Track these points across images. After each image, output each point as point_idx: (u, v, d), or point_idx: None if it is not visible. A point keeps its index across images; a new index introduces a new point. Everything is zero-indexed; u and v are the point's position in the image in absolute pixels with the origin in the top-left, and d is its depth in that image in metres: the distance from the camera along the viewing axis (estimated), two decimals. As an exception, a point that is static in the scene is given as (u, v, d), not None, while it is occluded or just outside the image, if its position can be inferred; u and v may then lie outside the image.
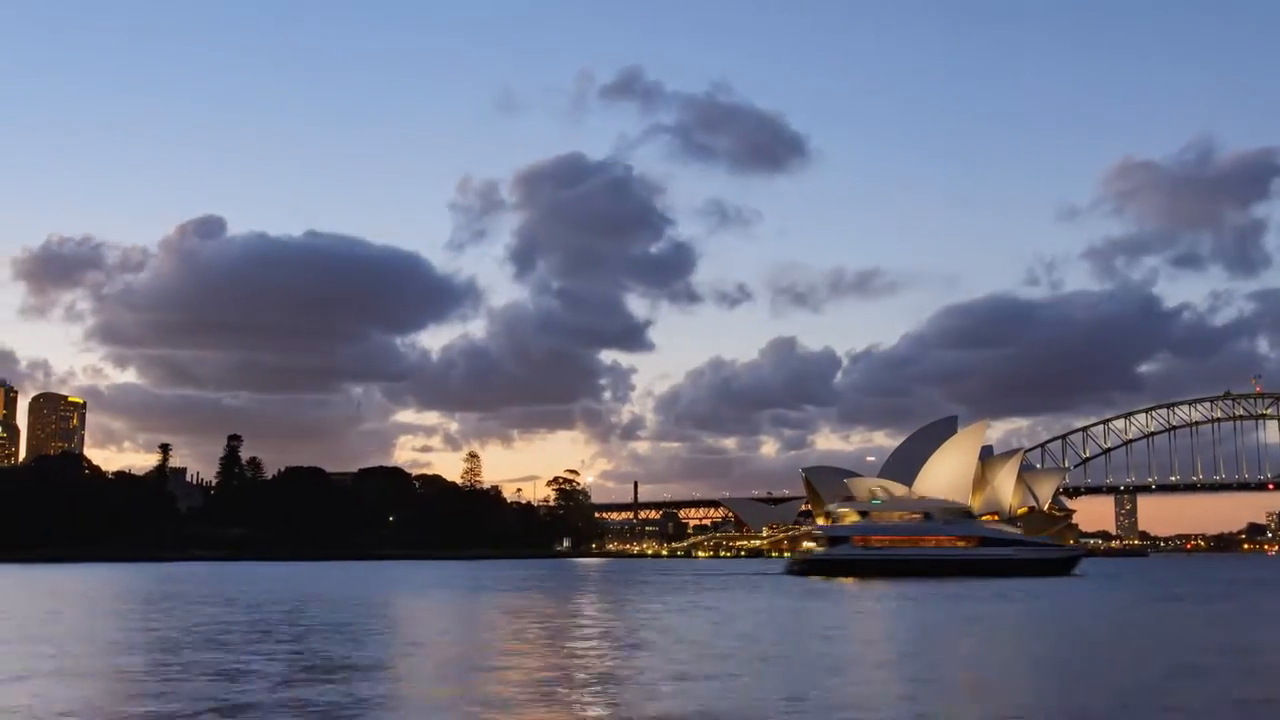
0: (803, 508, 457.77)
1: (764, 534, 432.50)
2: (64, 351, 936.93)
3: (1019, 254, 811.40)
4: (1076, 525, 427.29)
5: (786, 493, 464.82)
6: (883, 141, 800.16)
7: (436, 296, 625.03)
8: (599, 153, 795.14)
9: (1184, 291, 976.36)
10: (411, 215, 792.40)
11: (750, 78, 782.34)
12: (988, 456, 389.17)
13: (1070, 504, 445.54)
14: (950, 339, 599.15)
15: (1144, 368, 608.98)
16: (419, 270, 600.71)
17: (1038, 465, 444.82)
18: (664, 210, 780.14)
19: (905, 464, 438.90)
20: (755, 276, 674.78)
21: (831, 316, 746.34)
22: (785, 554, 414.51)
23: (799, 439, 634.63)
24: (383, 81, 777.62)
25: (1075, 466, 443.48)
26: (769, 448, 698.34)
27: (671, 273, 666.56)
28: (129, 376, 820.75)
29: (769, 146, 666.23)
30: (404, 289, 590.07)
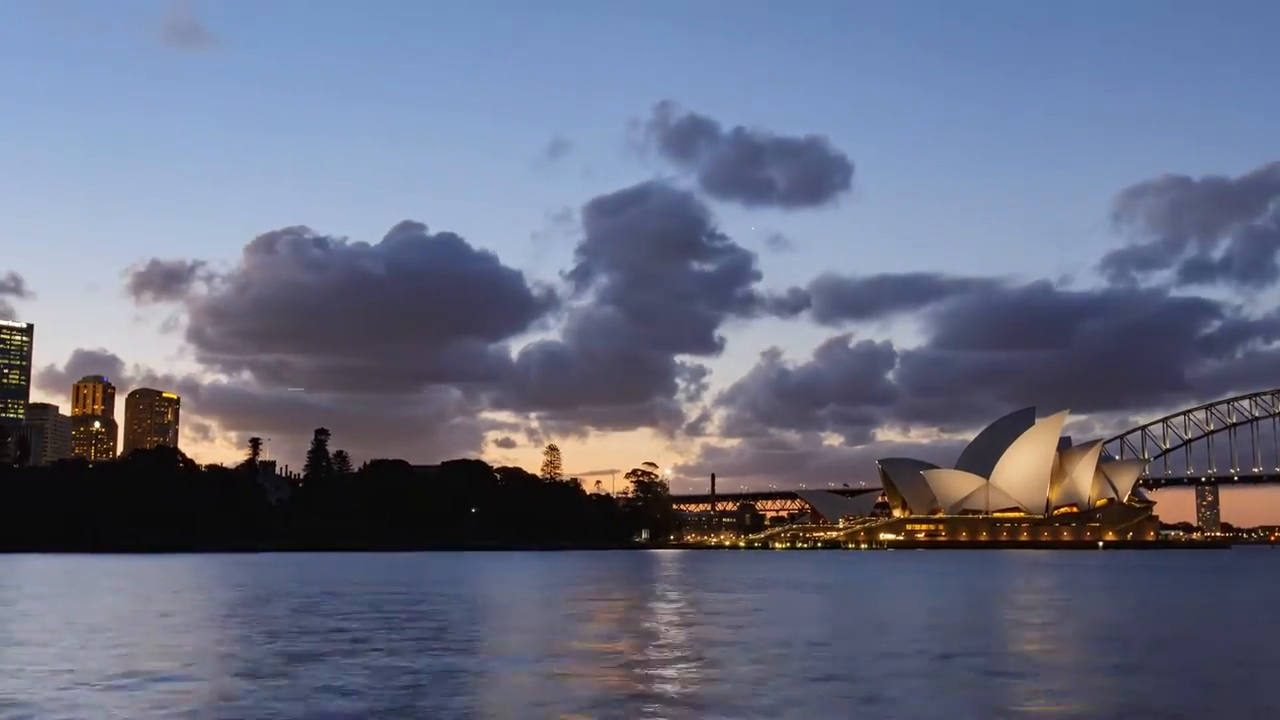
0: (879, 499, 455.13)
1: (840, 525, 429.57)
2: (163, 356, 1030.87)
3: (1057, 256, 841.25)
4: (1156, 517, 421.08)
5: (863, 484, 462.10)
6: (920, 155, 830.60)
7: (519, 304, 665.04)
8: (662, 178, 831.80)
9: (1220, 293, 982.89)
10: (495, 231, 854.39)
11: (790, 106, 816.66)
12: (1066, 448, 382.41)
13: (1150, 495, 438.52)
14: (995, 340, 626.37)
15: (1192, 366, 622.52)
16: (503, 279, 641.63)
17: (1116, 457, 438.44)
18: (721, 230, 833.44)
19: (982, 456, 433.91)
20: (809, 285, 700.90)
21: (882, 320, 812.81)
22: (862, 545, 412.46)
23: (862, 434, 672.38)
24: (465, 111, 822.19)
25: (1155, 458, 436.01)
26: (834, 441, 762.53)
27: (733, 283, 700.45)
28: (224, 378, 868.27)
29: (815, 168, 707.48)
30: (489, 297, 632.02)
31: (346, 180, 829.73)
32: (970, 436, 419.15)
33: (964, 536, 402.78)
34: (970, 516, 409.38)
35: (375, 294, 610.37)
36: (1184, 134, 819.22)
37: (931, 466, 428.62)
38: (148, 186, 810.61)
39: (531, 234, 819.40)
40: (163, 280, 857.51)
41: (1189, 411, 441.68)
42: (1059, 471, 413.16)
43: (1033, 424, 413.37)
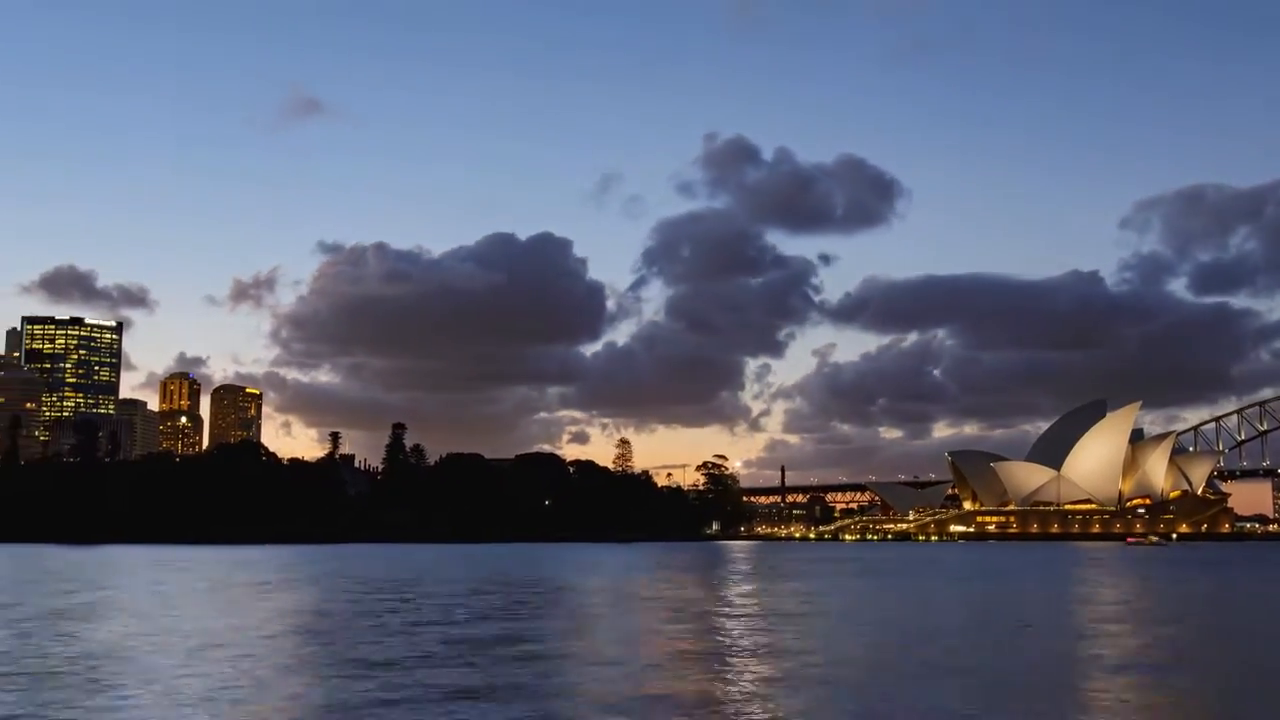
0: (949, 491, 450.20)
1: (910, 517, 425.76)
2: (253, 358, 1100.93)
3: (1095, 258, 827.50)
4: (1232, 509, 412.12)
5: (933, 476, 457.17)
6: (960, 167, 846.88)
7: (592, 311, 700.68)
8: (720, 198, 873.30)
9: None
10: (568, 243, 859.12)
11: (831, 129, 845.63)
12: (1138, 440, 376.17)
13: (1225, 487, 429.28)
14: (1039, 339, 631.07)
15: (1236, 365, 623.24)
16: (577, 287, 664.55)
17: (1190, 449, 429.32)
18: (777, 242, 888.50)
19: (1053, 447, 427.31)
20: (862, 291, 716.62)
21: (931, 321, 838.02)
22: (932, 537, 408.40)
23: (921, 429, 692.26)
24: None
25: (1230, 449, 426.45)
26: (894, 435, 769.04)
27: (790, 292, 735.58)
28: (304, 377, 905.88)
29: (866, 186, 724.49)
30: (562, 303, 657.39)
31: (425, 198, 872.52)
32: (1020, 433, 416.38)
33: (1035, 528, 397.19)
34: (1041, 508, 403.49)
35: (450, 300, 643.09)
36: (1212, 139, 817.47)
37: (1002, 458, 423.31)
38: (248, 204, 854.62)
39: (601, 247, 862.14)
40: (256, 289, 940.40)
41: (1265, 403, 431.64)
42: (1131, 463, 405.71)
43: (1104, 416, 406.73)
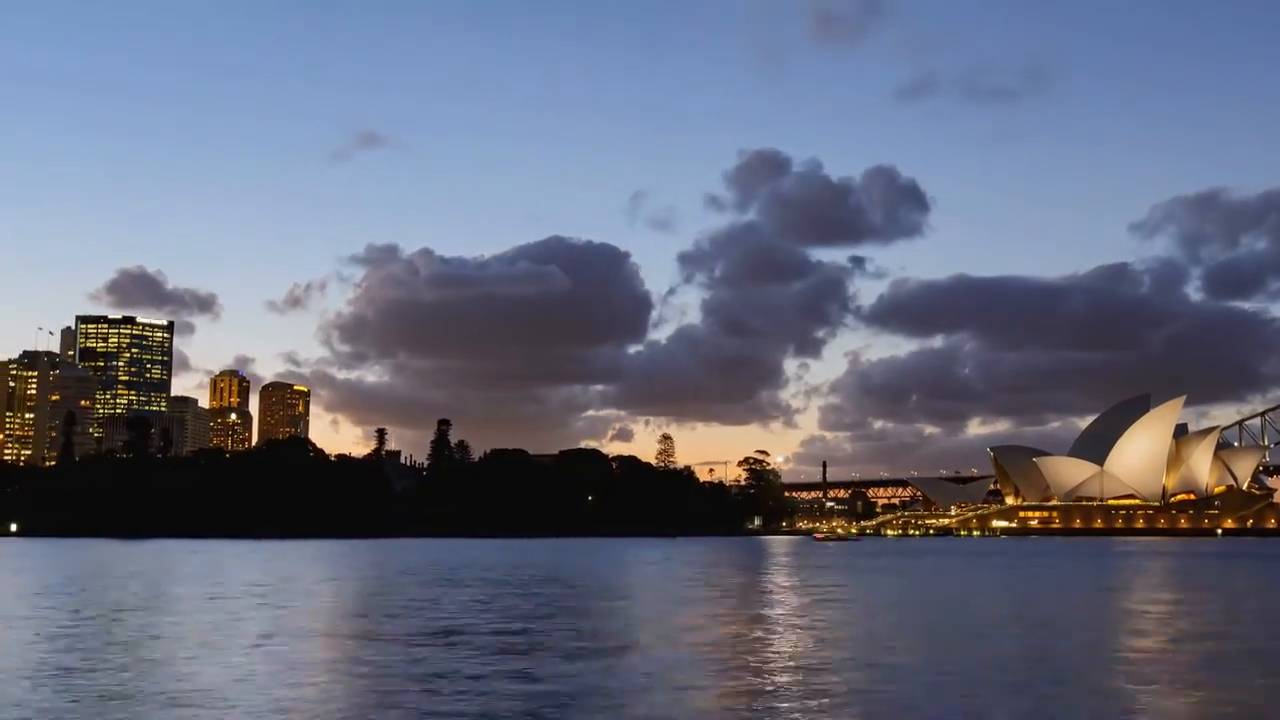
0: (991, 486, 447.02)
1: (952, 512, 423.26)
2: (304, 357, 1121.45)
3: (1119, 258, 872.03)
4: (1278, 504, 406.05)
5: (974, 471, 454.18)
6: (985, 172, 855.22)
7: (634, 314, 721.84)
8: (755, 209, 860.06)
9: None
10: (609, 249, 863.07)
11: (861, 141, 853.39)
12: (1182, 435, 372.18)
13: (1271, 482, 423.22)
14: (1070, 340, 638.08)
15: (1265, 363, 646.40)
16: (621, 290, 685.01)
17: (1235, 444, 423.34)
18: (811, 251, 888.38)
19: (1096, 442, 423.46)
20: (896, 294, 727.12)
21: (959, 324, 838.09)
22: (974, 532, 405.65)
23: (957, 427, 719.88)
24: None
25: (1275, 444, 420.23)
26: (931, 431, 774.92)
27: (828, 296, 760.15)
28: (354, 375, 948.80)
29: (896, 196, 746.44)
30: (605, 305, 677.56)
31: (470, 211, 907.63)
32: (1053, 429, 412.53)
33: (1078, 523, 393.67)
34: (1084, 503, 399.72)
35: (494, 303, 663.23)
36: (1229, 141, 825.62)
37: (1044, 453, 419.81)
38: (308, 218, 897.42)
39: (640, 254, 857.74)
40: (311, 293, 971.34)
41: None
42: (1175, 458, 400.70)
43: (1148, 410, 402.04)
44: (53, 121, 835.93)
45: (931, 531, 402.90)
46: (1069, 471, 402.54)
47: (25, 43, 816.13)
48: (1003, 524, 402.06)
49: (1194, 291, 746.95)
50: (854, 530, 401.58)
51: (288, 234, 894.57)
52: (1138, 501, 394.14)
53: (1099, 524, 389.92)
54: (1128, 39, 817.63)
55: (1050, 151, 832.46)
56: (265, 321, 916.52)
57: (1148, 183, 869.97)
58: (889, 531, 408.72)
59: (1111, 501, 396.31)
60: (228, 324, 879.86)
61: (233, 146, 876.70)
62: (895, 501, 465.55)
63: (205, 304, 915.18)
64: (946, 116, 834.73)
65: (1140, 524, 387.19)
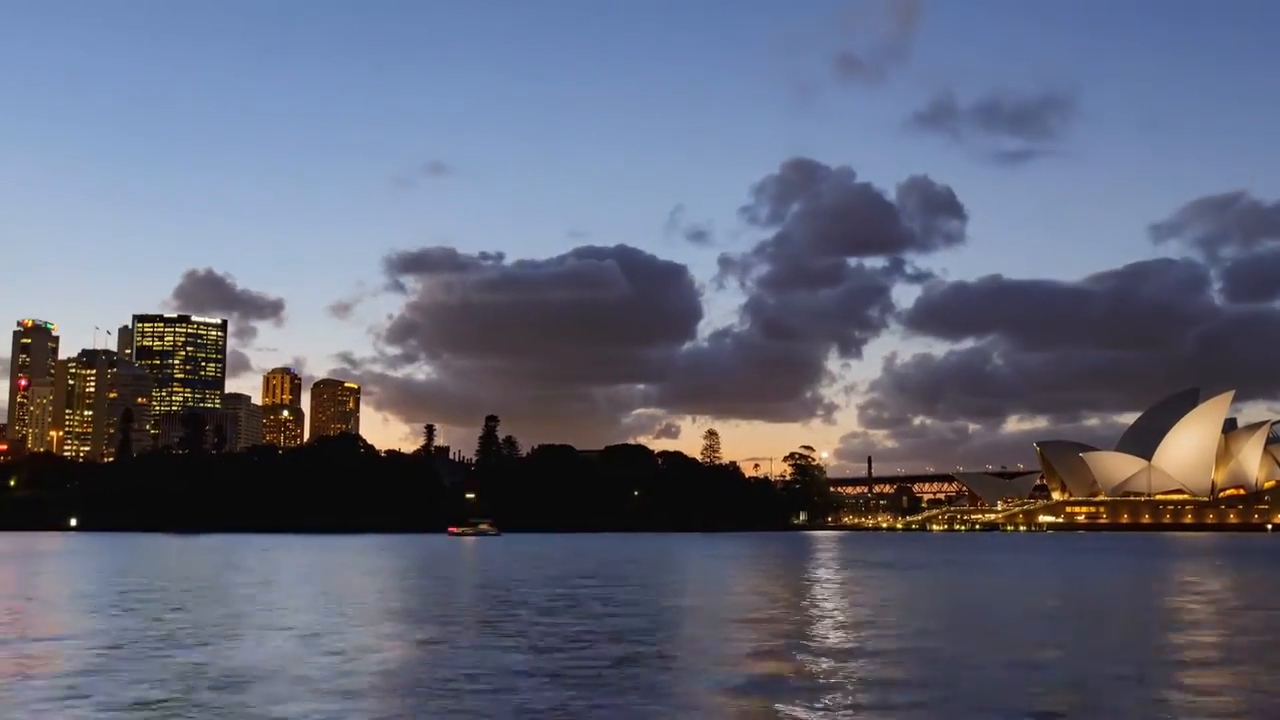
0: (1038, 482, 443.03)
1: (999, 507, 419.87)
2: (360, 356, 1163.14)
3: (1151, 258, 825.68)
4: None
5: (1020, 466, 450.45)
6: (1018, 181, 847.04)
7: (681, 315, 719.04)
8: (796, 218, 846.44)
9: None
10: (653, 254, 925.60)
11: (895, 152, 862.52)
12: (1231, 429, 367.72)
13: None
14: (1102, 339, 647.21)
15: None
16: (666, 291, 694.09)
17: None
18: (851, 259, 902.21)
19: (1144, 438, 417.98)
20: (933, 297, 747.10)
21: (994, 325, 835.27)
22: (1021, 527, 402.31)
23: (996, 424, 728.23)
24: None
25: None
26: (973, 428, 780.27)
27: (868, 301, 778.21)
28: (402, 373, 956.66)
29: (931, 204, 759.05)
30: (653, 305, 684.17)
31: (523, 220, 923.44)
32: (1090, 426, 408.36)
33: (1125, 519, 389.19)
34: (1132, 498, 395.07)
35: (543, 306, 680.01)
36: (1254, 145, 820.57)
37: (1091, 448, 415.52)
38: (373, 231, 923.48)
39: (685, 258, 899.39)
40: (371, 297, 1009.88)
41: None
42: (1224, 453, 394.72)
43: (1196, 405, 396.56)
44: (132, 128, 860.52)
45: (978, 526, 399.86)
46: (1116, 466, 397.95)
47: (105, 53, 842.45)
48: (1049, 519, 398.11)
49: (1217, 292, 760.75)
50: (900, 525, 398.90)
51: (350, 243, 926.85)
52: (1186, 497, 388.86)
53: (1146, 519, 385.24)
54: (1146, 50, 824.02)
55: (1074, 164, 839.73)
56: (324, 324, 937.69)
57: (1169, 187, 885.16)
58: (934, 526, 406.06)
59: (1159, 497, 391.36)
60: (290, 327, 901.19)
61: (308, 166, 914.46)
62: (941, 496, 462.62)
63: (272, 308, 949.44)
64: (970, 136, 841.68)
65: (1189, 519, 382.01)
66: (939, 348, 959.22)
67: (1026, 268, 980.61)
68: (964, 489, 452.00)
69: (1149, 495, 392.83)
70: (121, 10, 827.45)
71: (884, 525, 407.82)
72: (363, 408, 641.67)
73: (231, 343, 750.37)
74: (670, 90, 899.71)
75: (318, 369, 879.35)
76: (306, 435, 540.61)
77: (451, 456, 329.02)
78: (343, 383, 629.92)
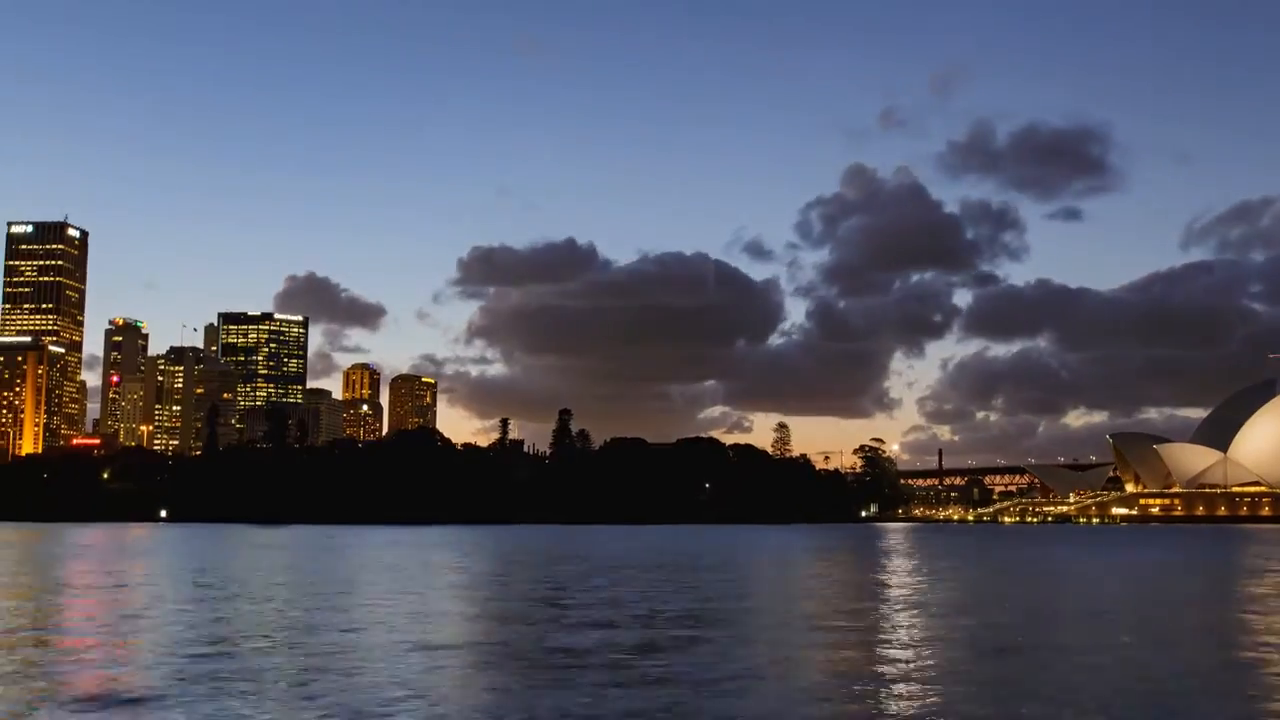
0: (1110, 474, 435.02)
1: (1071, 500, 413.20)
2: (443, 355, 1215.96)
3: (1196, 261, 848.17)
4: None
5: (1093, 459, 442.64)
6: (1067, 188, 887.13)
7: (758, 316, 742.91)
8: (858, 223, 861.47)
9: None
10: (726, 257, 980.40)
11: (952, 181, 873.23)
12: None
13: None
14: (1154, 339, 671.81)
15: None
16: (740, 294, 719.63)
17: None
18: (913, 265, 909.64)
19: (1219, 429, 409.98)
20: (993, 300, 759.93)
21: (1050, 325, 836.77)
22: (1094, 520, 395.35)
23: (1057, 419, 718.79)
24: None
25: None
26: (1035, 423, 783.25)
27: (929, 307, 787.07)
28: (478, 370, 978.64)
29: (990, 217, 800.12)
30: (725, 307, 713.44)
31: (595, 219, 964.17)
32: (1153, 419, 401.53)
33: (1200, 511, 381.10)
34: (1208, 491, 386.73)
35: (619, 307, 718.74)
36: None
37: (1165, 440, 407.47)
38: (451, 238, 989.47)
39: (749, 265, 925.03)
40: (457, 297, 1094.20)
41: None
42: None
43: (1274, 396, 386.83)
44: (226, 135, 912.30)
45: (1049, 519, 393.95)
46: (1191, 458, 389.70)
47: (203, 59, 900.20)
48: (1123, 511, 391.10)
49: (1258, 295, 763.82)
50: (971, 517, 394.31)
51: (431, 247, 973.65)
52: (1263, 489, 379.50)
53: (1222, 511, 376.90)
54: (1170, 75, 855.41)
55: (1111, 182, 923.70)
56: (413, 325, 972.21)
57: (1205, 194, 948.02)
58: (1006, 518, 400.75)
59: (1236, 489, 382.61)
60: (385, 327, 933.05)
61: (405, 182, 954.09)
62: (1012, 489, 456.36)
63: (372, 311, 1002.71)
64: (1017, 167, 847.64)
65: (1266, 511, 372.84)
66: (996, 348, 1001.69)
67: (1073, 274, 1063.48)
68: (1035, 481, 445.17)
69: (1225, 487, 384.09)
70: (219, 17, 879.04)
71: (954, 517, 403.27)
72: (439, 401, 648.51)
73: (321, 343, 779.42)
74: (736, 108, 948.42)
75: (402, 368, 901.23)
76: (385, 429, 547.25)
77: (526, 450, 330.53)
78: (420, 378, 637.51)
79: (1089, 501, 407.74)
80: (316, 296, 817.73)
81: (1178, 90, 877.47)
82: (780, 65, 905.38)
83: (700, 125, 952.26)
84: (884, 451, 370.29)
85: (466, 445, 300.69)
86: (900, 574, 66.51)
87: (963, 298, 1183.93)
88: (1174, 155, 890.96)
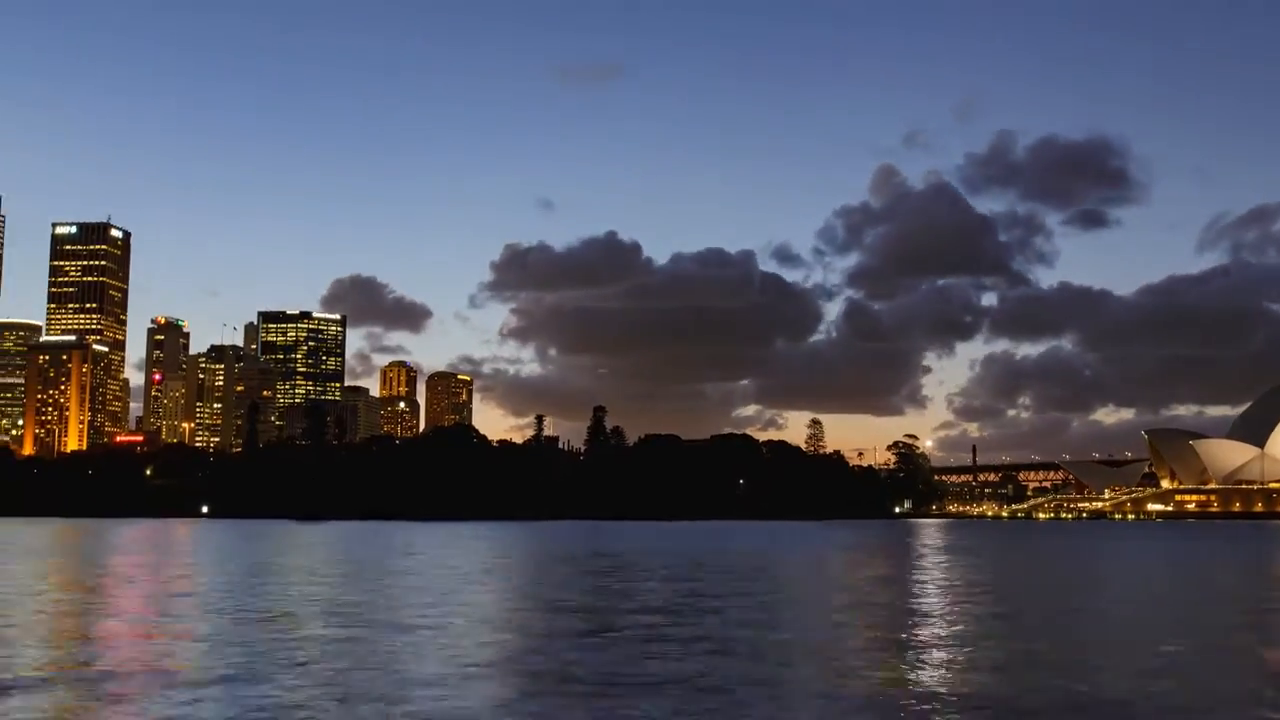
0: (1146, 470, 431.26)
1: (1106, 495, 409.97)
2: (480, 355, 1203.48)
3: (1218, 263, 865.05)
4: None
5: (1128, 454, 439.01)
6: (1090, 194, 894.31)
7: (791, 316, 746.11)
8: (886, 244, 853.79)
9: None
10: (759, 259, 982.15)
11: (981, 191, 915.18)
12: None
13: None
14: (1179, 338, 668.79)
15: None
16: (773, 296, 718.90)
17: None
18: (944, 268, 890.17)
19: (1256, 425, 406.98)
20: (1016, 305, 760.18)
21: (1077, 326, 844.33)
22: (1129, 516, 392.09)
23: (1085, 414, 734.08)
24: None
25: None
26: (1066, 420, 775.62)
27: (959, 310, 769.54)
28: (514, 369, 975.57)
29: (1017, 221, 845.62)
30: (756, 305, 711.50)
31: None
32: (1182, 415, 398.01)
33: (1237, 507, 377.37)
34: (1244, 487, 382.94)
35: (652, 307, 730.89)
36: None
37: (1201, 436, 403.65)
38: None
39: (784, 266, 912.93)
40: (492, 299, 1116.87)
41: None
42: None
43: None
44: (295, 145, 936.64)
45: (1084, 515, 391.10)
46: (1227, 455, 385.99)
47: (246, 62, 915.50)
48: (1158, 507, 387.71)
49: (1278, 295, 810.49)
50: (1005, 513, 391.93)
51: (476, 255, 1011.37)
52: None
53: (1259, 507, 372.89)
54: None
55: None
56: (452, 325, 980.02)
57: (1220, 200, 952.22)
58: (1040, 514, 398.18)
59: (1273, 485, 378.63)
60: (428, 328, 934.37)
61: (447, 182, 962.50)
62: (1046, 485, 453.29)
63: (417, 312, 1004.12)
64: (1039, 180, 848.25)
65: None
66: (1025, 348, 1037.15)
67: (1095, 278, 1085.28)
68: (1070, 477, 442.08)
69: (1262, 483, 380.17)
70: (265, 20, 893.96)
71: (988, 513, 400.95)
72: (475, 399, 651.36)
73: (361, 344, 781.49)
74: (769, 138, 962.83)
75: (432, 364, 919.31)
76: (422, 426, 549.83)
77: (561, 446, 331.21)
78: (456, 375, 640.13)
79: (1124, 497, 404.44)
80: (365, 296, 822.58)
81: (1193, 101, 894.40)
82: (811, 96, 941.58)
83: (736, 156, 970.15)
84: (917, 447, 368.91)
85: (502, 442, 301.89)
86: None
87: (991, 298, 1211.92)
88: (1190, 164, 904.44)
